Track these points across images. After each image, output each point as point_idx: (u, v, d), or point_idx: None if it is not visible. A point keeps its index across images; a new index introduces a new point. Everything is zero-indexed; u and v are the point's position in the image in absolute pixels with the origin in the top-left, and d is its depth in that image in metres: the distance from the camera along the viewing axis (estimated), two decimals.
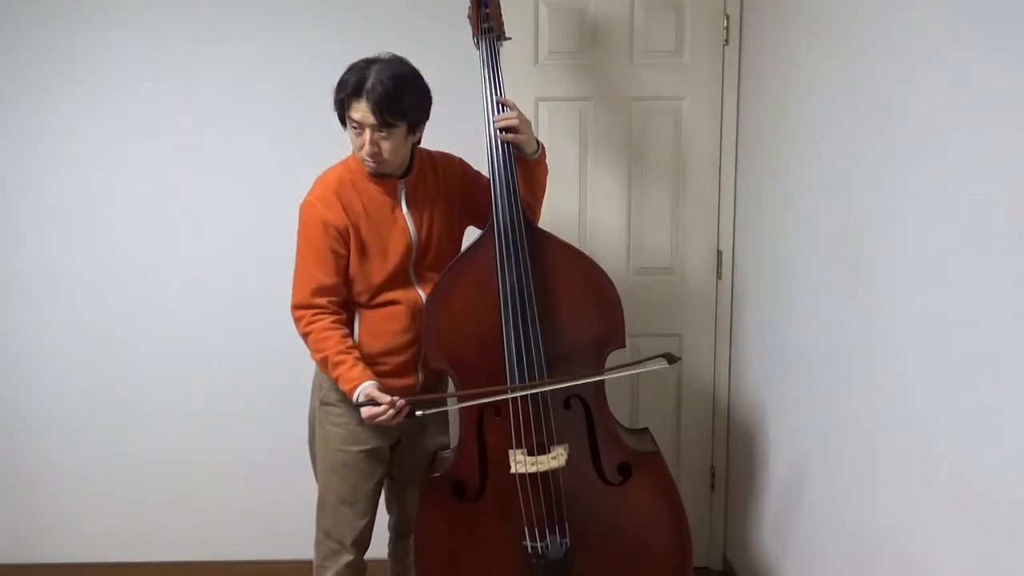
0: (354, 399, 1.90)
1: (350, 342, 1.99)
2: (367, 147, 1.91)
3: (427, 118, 2.00)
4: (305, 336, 2.00)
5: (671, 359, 1.97)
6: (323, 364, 1.99)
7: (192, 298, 2.72)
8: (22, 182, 2.68)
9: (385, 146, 1.92)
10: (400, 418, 1.90)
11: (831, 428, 1.95)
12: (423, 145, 2.11)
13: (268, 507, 2.81)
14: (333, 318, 1.99)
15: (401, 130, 1.93)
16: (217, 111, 2.64)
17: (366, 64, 1.91)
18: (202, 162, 2.67)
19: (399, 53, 1.98)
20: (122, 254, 2.71)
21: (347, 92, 1.89)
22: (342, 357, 1.94)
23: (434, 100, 1.99)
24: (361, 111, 1.88)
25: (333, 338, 1.96)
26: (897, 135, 1.60)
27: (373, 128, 1.89)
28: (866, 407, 1.76)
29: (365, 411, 1.88)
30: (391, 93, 1.87)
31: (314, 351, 1.99)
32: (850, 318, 1.83)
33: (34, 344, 2.75)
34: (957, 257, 1.40)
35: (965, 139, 1.37)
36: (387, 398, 1.87)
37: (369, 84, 1.87)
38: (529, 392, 1.98)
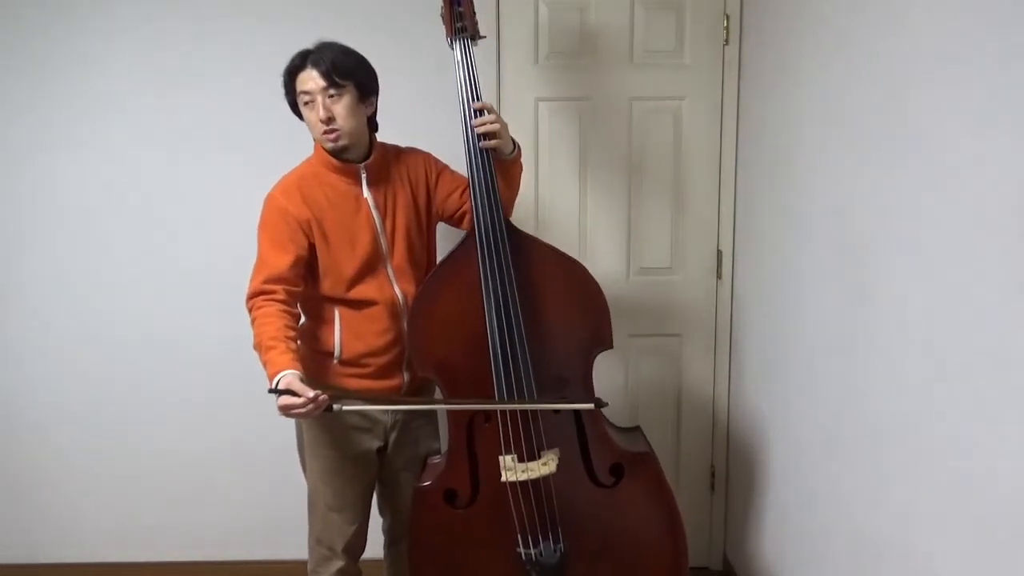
0: (273, 384, 1.78)
1: (292, 333, 1.90)
2: (321, 113, 1.93)
3: (376, 89, 2.03)
4: (252, 323, 1.92)
5: (599, 404, 1.97)
6: (257, 349, 1.87)
7: (192, 300, 2.73)
8: (22, 184, 2.69)
9: (338, 110, 1.94)
10: (317, 412, 1.79)
11: (831, 428, 1.95)
12: (403, 144, 2.15)
13: (268, 507, 2.81)
14: (282, 306, 1.91)
15: (351, 92, 1.95)
16: (219, 114, 2.64)
17: (303, 49, 1.99)
18: (202, 164, 2.67)
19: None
20: (123, 256, 2.71)
21: (294, 66, 1.97)
22: (275, 343, 1.84)
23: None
24: (311, 79, 1.93)
25: (273, 324, 1.87)
26: (897, 135, 1.60)
27: (324, 92, 1.93)
28: (866, 406, 1.75)
29: (281, 400, 1.75)
30: (335, 55, 1.95)
31: (254, 336, 1.89)
32: (850, 318, 1.82)
33: (35, 345, 2.76)
34: (957, 257, 1.39)
35: (965, 139, 1.37)
36: (309, 392, 1.74)
37: (313, 56, 1.95)
38: (466, 407, 1.99)
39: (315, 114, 1.94)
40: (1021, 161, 1.22)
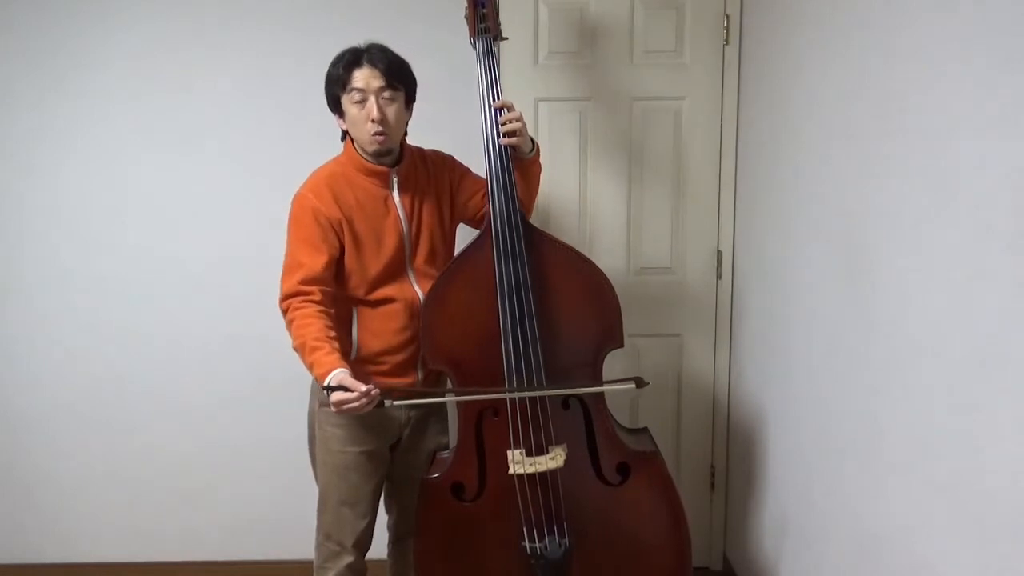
0: (325, 383, 1.83)
1: (333, 333, 1.91)
2: (374, 112, 1.93)
3: (415, 97, 2.05)
4: (289, 324, 1.94)
5: (639, 383, 1.97)
6: (300, 350, 1.90)
7: (192, 299, 2.73)
8: (23, 183, 2.68)
9: (390, 112, 1.95)
10: (371, 407, 1.83)
11: (831, 428, 1.95)
12: (418, 144, 2.15)
13: (268, 507, 2.81)
14: (319, 307, 1.92)
15: (402, 97, 1.98)
16: (218, 114, 2.65)
17: (354, 47, 1.98)
18: (202, 164, 2.67)
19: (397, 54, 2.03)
20: (123, 255, 2.71)
21: (345, 64, 1.95)
22: (320, 343, 1.87)
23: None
24: (364, 77, 1.93)
25: (315, 325, 1.89)
26: (897, 134, 1.60)
27: (378, 92, 1.93)
28: (866, 407, 1.76)
29: (335, 396, 1.80)
30: (393, 59, 1.97)
31: (294, 338, 1.91)
32: (850, 318, 1.83)
33: (34, 345, 2.76)
34: (957, 257, 1.40)
35: (965, 139, 1.37)
36: (361, 386, 1.79)
37: (368, 54, 1.95)
38: (509, 396, 1.97)
39: (364, 112, 1.94)
40: (1021, 161, 1.22)
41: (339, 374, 1.82)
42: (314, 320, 1.90)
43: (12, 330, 2.75)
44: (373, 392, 1.81)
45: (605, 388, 2.03)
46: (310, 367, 1.89)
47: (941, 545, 1.47)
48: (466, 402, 2.04)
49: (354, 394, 1.79)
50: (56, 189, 2.68)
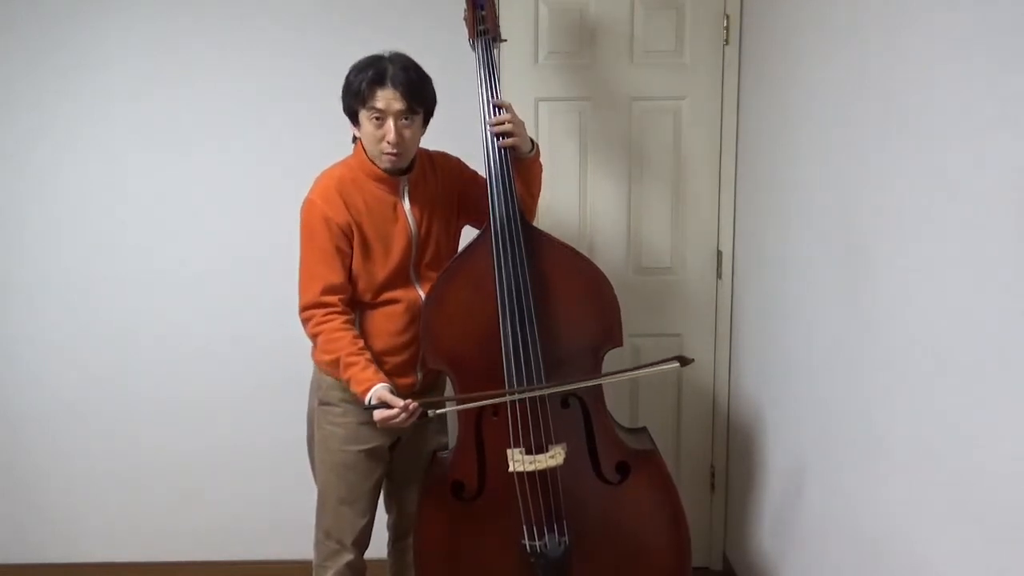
0: (366, 401, 1.88)
1: (361, 343, 1.97)
2: (391, 135, 1.92)
3: (433, 114, 2.04)
4: (315, 337, 1.98)
5: (684, 361, 1.96)
6: (333, 365, 1.96)
7: (192, 299, 2.73)
8: (23, 183, 2.68)
9: (407, 134, 1.95)
10: (413, 420, 1.88)
11: (831, 428, 1.95)
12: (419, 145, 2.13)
13: (268, 507, 2.81)
14: (344, 318, 1.97)
15: (420, 119, 1.97)
16: (218, 114, 2.65)
17: (379, 58, 1.95)
18: (201, 164, 2.67)
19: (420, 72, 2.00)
20: (123, 256, 2.71)
21: (368, 80, 1.91)
22: (354, 359, 1.92)
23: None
24: (386, 99, 1.91)
25: (344, 339, 1.94)
26: (897, 134, 1.60)
27: (398, 115, 1.92)
28: (866, 407, 1.76)
29: (378, 414, 1.85)
30: (416, 80, 1.94)
31: (324, 352, 1.97)
32: (850, 318, 1.83)
33: (34, 345, 2.76)
34: (957, 257, 1.40)
35: (965, 139, 1.37)
36: (400, 401, 1.85)
37: (392, 72, 1.91)
38: (538, 394, 1.98)
39: (381, 132, 1.93)
40: (1021, 161, 1.23)
41: (379, 390, 1.87)
42: (342, 334, 1.95)
43: (12, 330, 2.75)
44: (412, 406, 1.85)
45: (649, 371, 2.04)
46: (347, 383, 1.94)
47: (941, 545, 1.47)
48: (519, 398, 2.02)
49: (394, 410, 1.84)
50: (56, 189, 2.68)
